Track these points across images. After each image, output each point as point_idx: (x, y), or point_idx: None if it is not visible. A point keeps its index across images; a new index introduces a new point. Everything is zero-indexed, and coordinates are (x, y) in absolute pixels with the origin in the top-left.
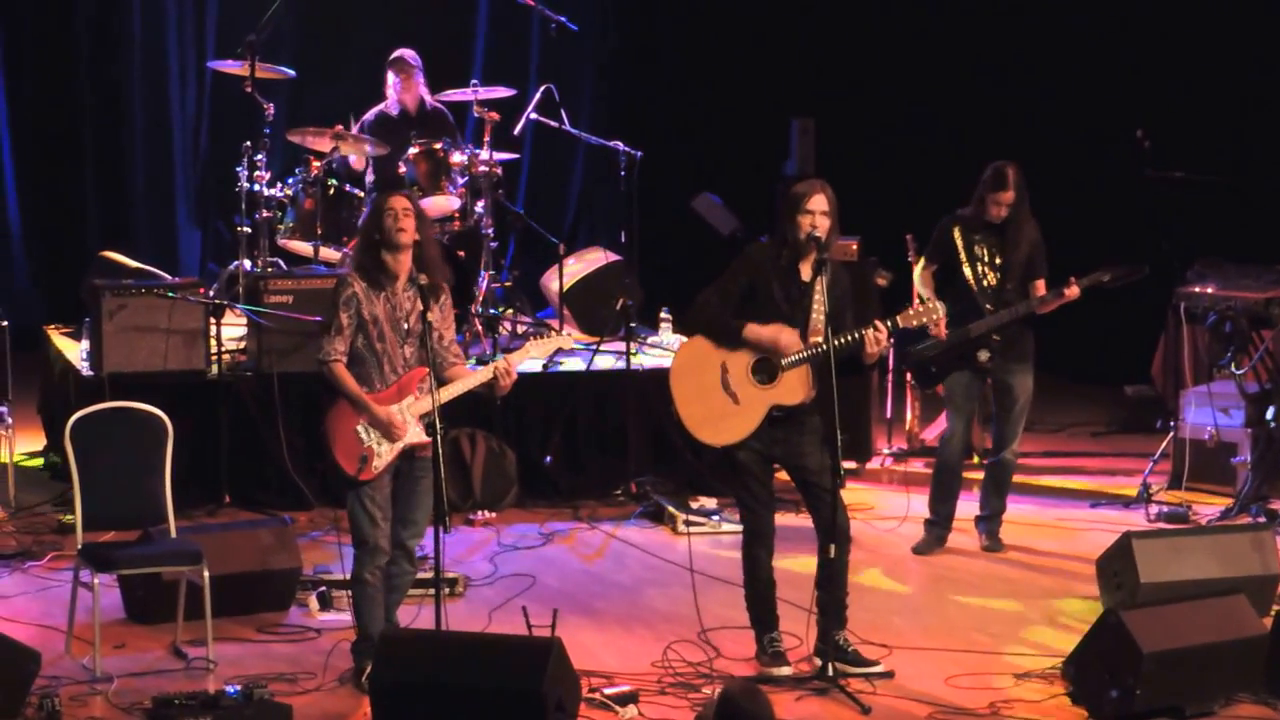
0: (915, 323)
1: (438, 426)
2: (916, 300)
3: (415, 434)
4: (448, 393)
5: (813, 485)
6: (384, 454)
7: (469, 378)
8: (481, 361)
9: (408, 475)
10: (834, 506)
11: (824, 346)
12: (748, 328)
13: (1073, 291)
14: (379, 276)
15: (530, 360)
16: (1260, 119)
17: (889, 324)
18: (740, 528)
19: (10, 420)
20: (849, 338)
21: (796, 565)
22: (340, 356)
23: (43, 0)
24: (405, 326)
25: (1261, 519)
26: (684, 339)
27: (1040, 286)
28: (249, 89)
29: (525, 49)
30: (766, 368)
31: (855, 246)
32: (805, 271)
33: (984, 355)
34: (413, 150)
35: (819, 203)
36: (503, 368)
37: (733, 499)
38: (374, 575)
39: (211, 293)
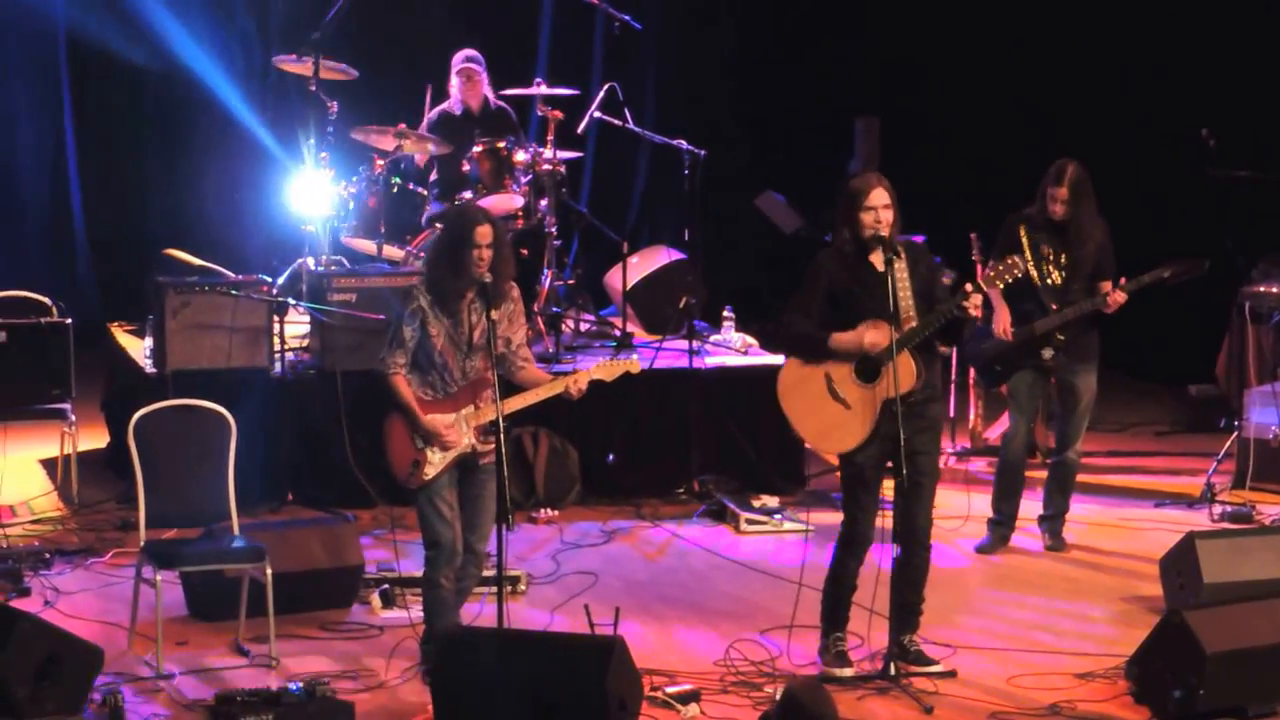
0: (1000, 282)
1: (500, 426)
2: (999, 302)
3: (468, 443)
4: (515, 404)
5: (913, 483)
6: (436, 462)
7: (534, 392)
8: (542, 359)
9: (472, 481)
10: (914, 510)
11: (919, 330)
12: (834, 337)
13: (1116, 296)
14: (447, 294)
15: (596, 377)
16: None
17: (976, 286)
18: (801, 526)
19: (73, 417)
20: (946, 311)
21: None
22: (399, 369)
23: (105, 1)
24: (470, 340)
25: None
26: (762, 342)
27: (1106, 287)
28: (313, 88)
29: (589, 47)
30: (869, 365)
31: (911, 240)
32: (878, 263)
33: (1048, 353)
34: (476, 149)
35: (879, 197)
36: (573, 388)
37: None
38: (448, 579)
39: (275, 290)
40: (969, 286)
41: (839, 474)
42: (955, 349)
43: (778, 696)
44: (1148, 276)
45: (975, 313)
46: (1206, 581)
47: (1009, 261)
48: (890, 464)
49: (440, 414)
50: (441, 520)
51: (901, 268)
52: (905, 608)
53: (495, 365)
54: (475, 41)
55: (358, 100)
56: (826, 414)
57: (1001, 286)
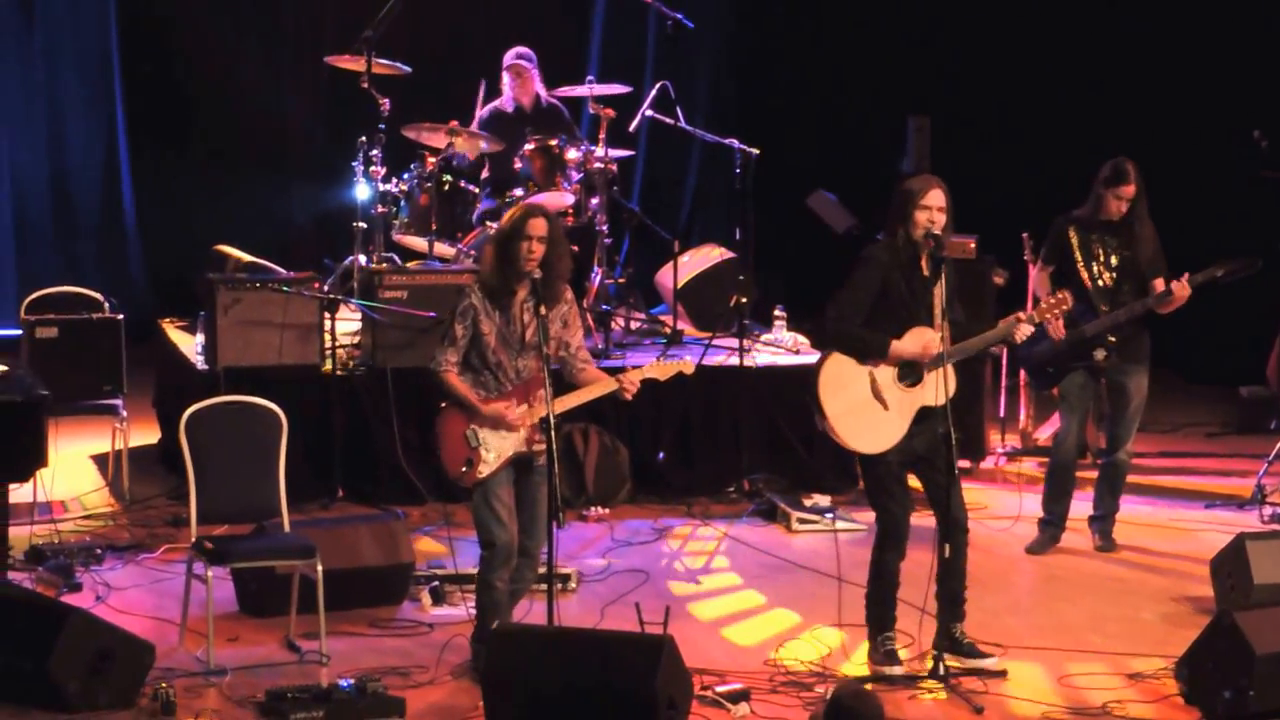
0: (1048, 316)
1: (551, 425)
2: (1046, 296)
3: (523, 439)
4: (567, 402)
5: (939, 481)
6: (490, 460)
7: (587, 390)
8: (591, 355)
9: (527, 482)
10: (949, 501)
11: (973, 348)
12: (894, 346)
13: (1182, 289)
14: (500, 290)
15: (649, 376)
16: None
17: (1029, 316)
18: (854, 525)
19: (125, 413)
20: (994, 330)
21: (908, 562)
22: (451, 367)
23: None
24: (523, 339)
25: None
26: (823, 351)
27: (1158, 285)
28: (365, 84)
29: (641, 45)
30: (912, 370)
31: (972, 245)
32: (925, 267)
33: (1100, 354)
34: (528, 146)
35: (935, 198)
36: (626, 386)
37: (869, 501)
38: (503, 581)
39: (326, 287)
40: (1022, 316)
41: (862, 478)
42: (1006, 350)
43: (827, 697)
44: (1201, 275)
45: (1023, 338)
46: (1257, 583)
47: (1060, 296)
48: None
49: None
50: (497, 521)
51: (940, 279)
52: (954, 598)
53: (551, 365)
54: (528, 39)
55: (410, 97)
56: (866, 414)
57: (1050, 318)
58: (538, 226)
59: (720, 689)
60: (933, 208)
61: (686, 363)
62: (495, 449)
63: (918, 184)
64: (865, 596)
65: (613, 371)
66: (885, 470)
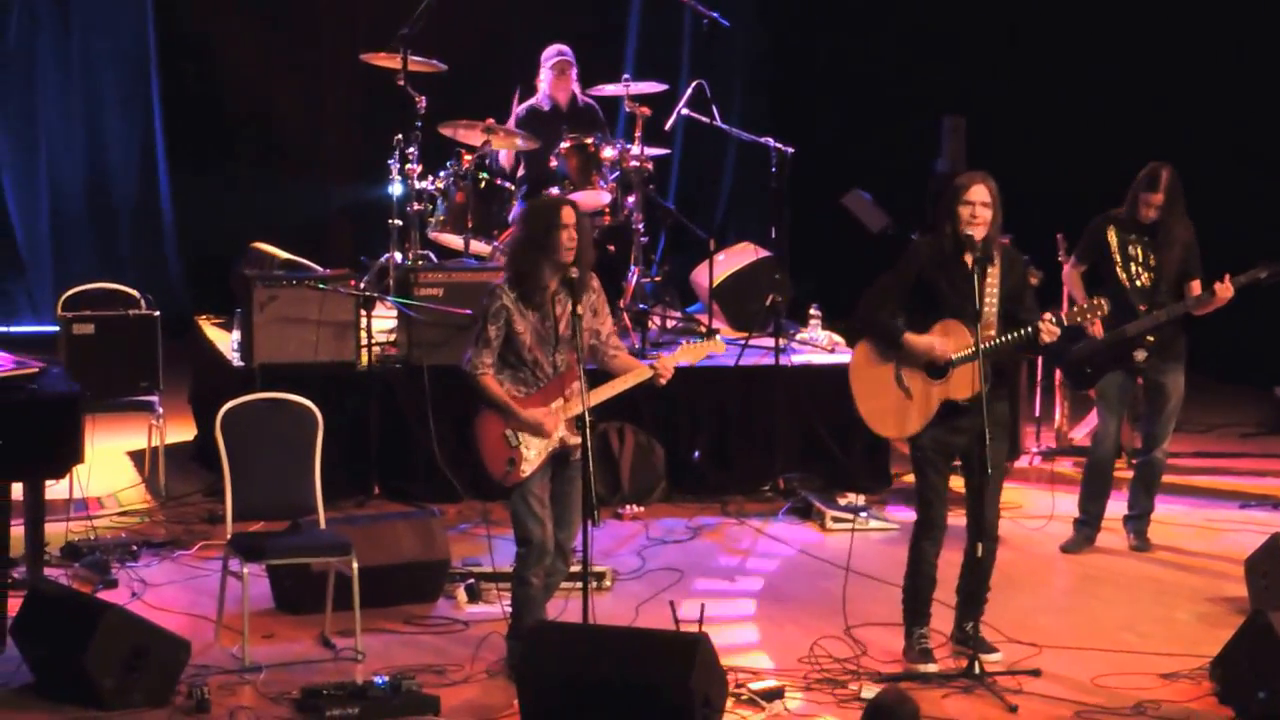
0: (1080, 319)
1: (586, 422)
2: (1081, 300)
3: (560, 436)
4: (603, 393)
5: (974, 482)
6: (531, 458)
7: (622, 379)
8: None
9: (562, 477)
10: (984, 504)
11: (996, 340)
12: (906, 337)
13: (1224, 289)
14: (532, 287)
15: (682, 361)
16: None
17: (1057, 318)
18: (887, 525)
19: (161, 409)
20: (1020, 333)
21: (941, 562)
22: (487, 369)
23: None
24: (556, 334)
25: None
26: (847, 337)
27: (1195, 287)
28: (401, 82)
29: (677, 44)
30: (938, 363)
31: (1007, 244)
32: (970, 262)
33: (1140, 355)
34: (564, 145)
35: (979, 193)
36: (661, 371)
37: (890, 494)
38: (538, 577)
39: (362, 285)
40: (1049, 316)
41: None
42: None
43: (861, 694)
44: (1244, 277)
45: (1046, 340)
46: None
47: (1095, 302)
48: (959, 461)
49: (534, 409)
50: (534, 518)
51: (994, 272)
52: (974, 596)
53: (586, 358)
54: (564, 37)
55: (446, 95)
56: (886, 398)
57: (1081, 321)
58: (570, 215)
59: (755, 686)
60: (975, 203)
61: (717, 342)
62: (536, 447)
63: (963, 179)
64: (902, 589)
65: None
66: (923, 457)
